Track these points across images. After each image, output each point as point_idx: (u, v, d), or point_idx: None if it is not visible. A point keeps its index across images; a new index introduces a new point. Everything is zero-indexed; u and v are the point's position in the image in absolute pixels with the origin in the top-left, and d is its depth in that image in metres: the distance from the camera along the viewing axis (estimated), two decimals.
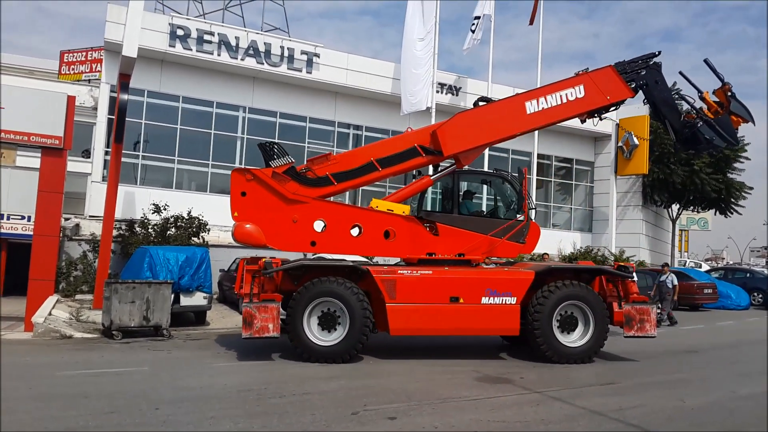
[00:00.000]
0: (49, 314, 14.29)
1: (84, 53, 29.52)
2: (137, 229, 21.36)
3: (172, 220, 21.14)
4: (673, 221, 38.57)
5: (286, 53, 26.35)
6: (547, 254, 19.83)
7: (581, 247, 32.25)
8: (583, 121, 13.54)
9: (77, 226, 21.99)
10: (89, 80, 28.16)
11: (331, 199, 12.74)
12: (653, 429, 7.27)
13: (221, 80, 26.07)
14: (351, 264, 11.59)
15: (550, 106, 12.55)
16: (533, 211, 13.13)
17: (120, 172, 17.87)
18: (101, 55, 26.51)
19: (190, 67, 25.43)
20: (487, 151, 29.52)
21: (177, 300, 15.17)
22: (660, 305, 18.70)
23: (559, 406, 8.27)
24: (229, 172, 12.23)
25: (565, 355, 11.54)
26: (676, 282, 19.08)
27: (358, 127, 28.93)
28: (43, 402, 7.80)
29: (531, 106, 12.52)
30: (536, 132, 30.03)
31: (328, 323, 11.15)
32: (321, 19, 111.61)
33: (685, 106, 13.60)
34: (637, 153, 32.48)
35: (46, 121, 14.49)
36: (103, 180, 22.80)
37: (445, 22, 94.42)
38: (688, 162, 33.07)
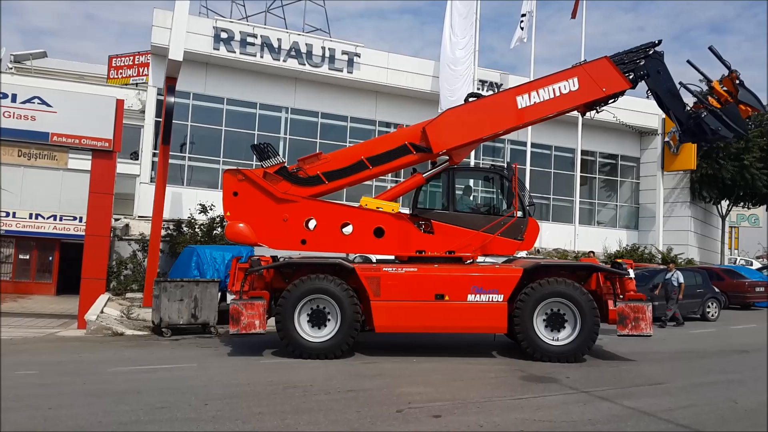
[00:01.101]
0: (101, 312, 14.67)
1: (131, 58, 30.29)
2: (184, 228, 21.78)
3: (218, 219, 21.48)
4: (723, 218, 37.55)
5: (327, 54, 26.51)
6: (593, 252, 19.47)
7: (627, 245, 31.68)
8: (582, 115, 13.28)
9: (127, 226, 22.53)
10: (137, 84, 28.86)
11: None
12: (705, 430, 7.12)
13: (264, 81, 26.38)
14: (338, 261, 11.62)
15: (542, 100, 12.25)
16: (532, 207, 12.89)
17: (167, 173, 18.24)
18: (148, 60, 27.12)
19: (233, 69, 25.79)
20: (528, 147, 29.33)
21: (224, 298, 15.43)
22: (666, 304, 18.07)
23: (606, 406, 8.16)
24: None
25: (548, 353, 11.32)
26: (682, 280, 18.24)
27: (399, 126, 28.90)
28: (97, 397, 8.03)
29: (522, 101, 12.24)
30: (579, 128, 29.74)
31: (318, 320, 11.24)
32: (361, 19, 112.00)
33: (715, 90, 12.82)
34: (684, 148, 31.67)
35: (96, 124, 14.89)
36: (151, 181, 23.30)
37: (486, 18, 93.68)
38: (738, 157, 32.15)
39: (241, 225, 11.71)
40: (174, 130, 18.50)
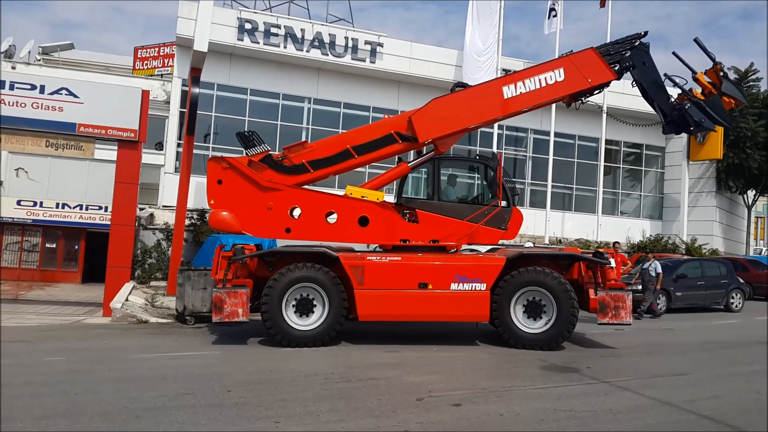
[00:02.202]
0: (126, 300, 14.90)
1: (157, 49, 30.60)
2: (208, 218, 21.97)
3: None
4: (749, 208, 37.01)
5: (350, 44, 26.56)
6: (618, 243, 19.31)
7: (651, 235, 31.38)
8: (568, 105, 13.26)
9: (151, 215, 22.82)
10: (162, 75, 29.16)
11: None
12: (727, 421, 7.08)
13: (287, 72, 26.51)
14: (322, 250, 11.63)
15: (528, 90, 12.22)
16: (516, 196, 12.88)
17: (192, 164, 18.41)
18: (173, 51, 27.39)
19: (257, 60, 25.93)
20: (552, 137, 29.12)
21: None
22: (642, 294, 17.57)
23: (628, 396, 8.14)
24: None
25: (524, 340, 11.46)
26: (660, 270, 17.65)
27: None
28: (123, 383, 8.17)
29: (509, 91, 12.19)
30: (604, 117, 29.45)
31: (304, 308, 11.26)
32: (385, 9, 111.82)
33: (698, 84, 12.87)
34: (710, 137, 31.19)
35: (122, 115, 15.05)
36: (175, 171, 23.56)
37: (510, 7, 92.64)
38: (766, 146, 31.64)
39: (224, 213, 11.70)
40: (198, 121, 18.69)
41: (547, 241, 28.48)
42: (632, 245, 30.35)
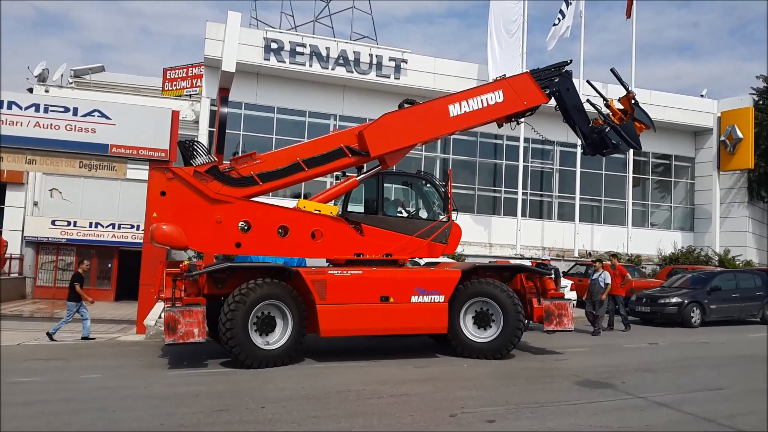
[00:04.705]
0: (159, 317, 15.02)
1: (185, 70, 31.08)
2: None
3: None
4: None
5: (374, 60, 26.73)
6: (615, 255, 18.98)
7: (682, 247, 30.94)
8: (500, 126, 13.65)
9: None
10: (190, 95, 29.59)
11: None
12: None
13: (313, 90, 26.75)
14: (280, 265, 11.49)
15: (471, 109, 12.69)
16: (455, 211, 13.07)
17: None
18: (201, 71, 27.80)
19: (284, 78, 26.22)
20: (579, 149, 28.87)
21: None
22: (593, 307, 16.69)
23: (664, 412, 8.03)
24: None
25: (474, 350, 11.80)
26: (608, 280, 16.64)
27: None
28: (159, 400, 8.29)
29: (454, 109, 12.60)
30: None
31: (266, 326, 10.92)
32: (408, 24, 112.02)
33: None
34: (741, 147, 30.83)
35: (152, 135, 15.28)
36: None
37: (534, 19, 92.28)
38: None
39: (166, 227, 11.06)
40: (227, 140, 18.89)
41: (576, 254, 28.24)
42: (664, 257, 29.95)
